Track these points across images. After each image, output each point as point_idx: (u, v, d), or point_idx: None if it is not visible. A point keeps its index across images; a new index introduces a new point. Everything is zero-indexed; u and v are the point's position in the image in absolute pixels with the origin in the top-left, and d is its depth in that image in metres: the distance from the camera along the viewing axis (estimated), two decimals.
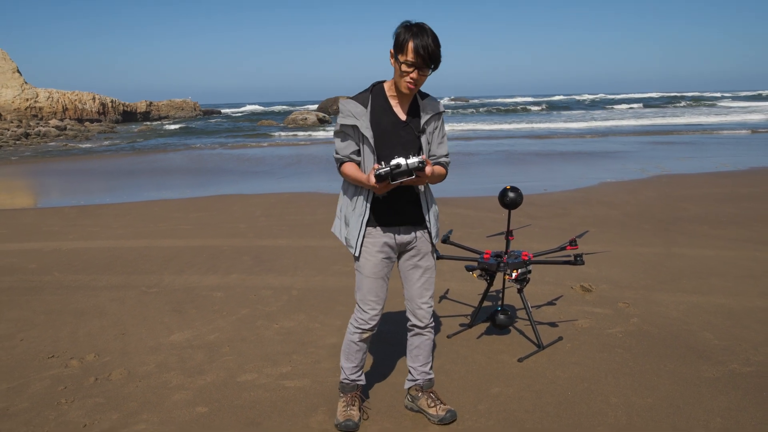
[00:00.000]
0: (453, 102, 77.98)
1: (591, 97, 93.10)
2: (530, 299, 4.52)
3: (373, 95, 2.67)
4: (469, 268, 3.79)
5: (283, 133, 30.58)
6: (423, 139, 2.69)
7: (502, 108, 56.69)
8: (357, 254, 2.72)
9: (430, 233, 2.80)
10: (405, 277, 2.85)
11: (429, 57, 2.49)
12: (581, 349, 3.66)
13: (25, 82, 44.45)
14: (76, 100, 46.40)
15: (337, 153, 2.72)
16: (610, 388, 3.17)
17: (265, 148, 22.79)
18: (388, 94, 2.67)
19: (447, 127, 2.90)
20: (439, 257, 3.76)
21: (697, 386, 3.16)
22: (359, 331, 2.81)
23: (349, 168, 2.67)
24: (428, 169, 2.51)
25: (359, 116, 2.61)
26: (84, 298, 4.92)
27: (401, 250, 2.79)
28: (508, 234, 3.74)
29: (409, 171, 2.45)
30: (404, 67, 2.52)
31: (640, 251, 5.94)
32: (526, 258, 3.65)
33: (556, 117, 40.97)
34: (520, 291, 3.69)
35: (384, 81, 2.72)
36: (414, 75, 2.53)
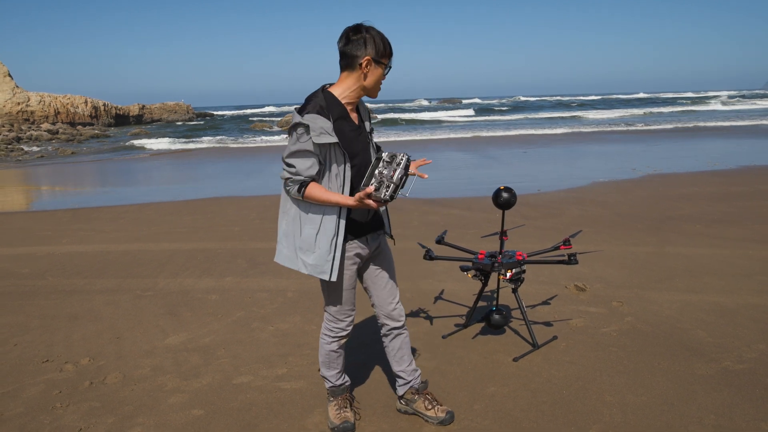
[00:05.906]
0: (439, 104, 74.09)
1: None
2: (525, 299, 4.54)
3: (329, 104, 2.43)
4: (464, 269, 3.80)
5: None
6: (373, 142, 2.65)
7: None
8: (334, 278, 2.50)
9: (387, 231, 2.78)
10: (371, 284, 2.77)
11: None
12: (576, 348, 3.68)
13: (17, 86, 44.22)
14: (68, 103, 46.20)
15: (297, 174, 2.39)
16: (604, 386, 3.19)
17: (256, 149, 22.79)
18: (343, 101, 2.47)
19: None
20: (433, 258, 3.78)
21: (691, 384, 3.18)
22: (336, 339, 2.76)
23: (318, 191, 2.41)
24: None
25: (331, 132, 2.37)
26: (78, 302, 4.90)
27: (369, 256, 2.72)
28: (503, 234, 3.75)
29: (403, 175, 2.34)
30: (386, 71, 2.49)
31: (634, 250, 5.97)
32: (521, 258, 3.67)
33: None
34: (514, 291, 3.70)
35: (327, 86, 2.51)
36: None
